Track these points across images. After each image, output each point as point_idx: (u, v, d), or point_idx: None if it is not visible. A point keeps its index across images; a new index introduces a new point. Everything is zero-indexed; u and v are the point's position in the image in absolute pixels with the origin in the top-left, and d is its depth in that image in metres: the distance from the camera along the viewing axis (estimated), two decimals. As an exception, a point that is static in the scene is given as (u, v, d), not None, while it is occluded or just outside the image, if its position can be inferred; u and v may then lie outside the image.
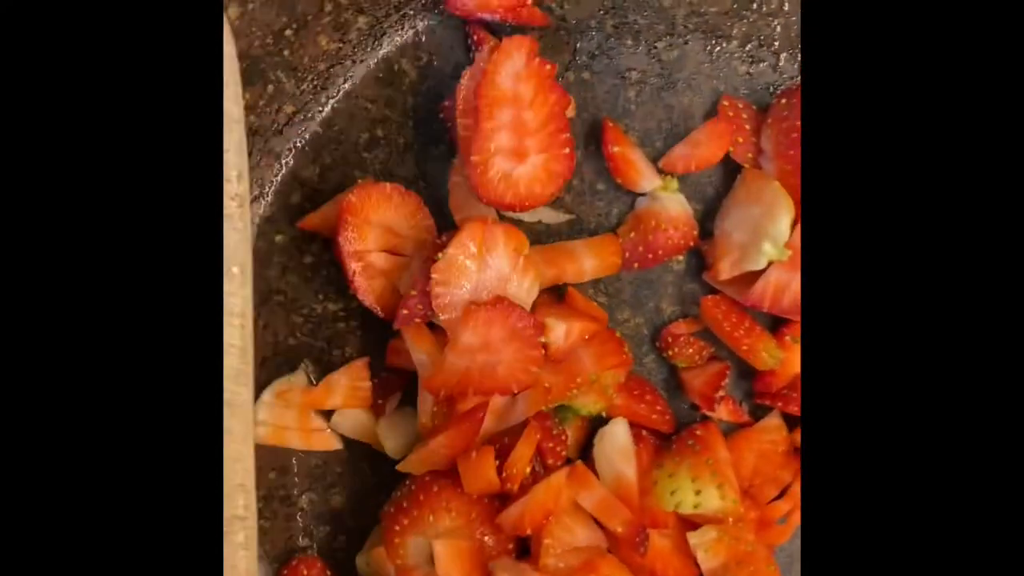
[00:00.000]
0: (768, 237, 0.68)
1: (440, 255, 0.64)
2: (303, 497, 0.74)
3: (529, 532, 0.63)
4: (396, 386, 0.72)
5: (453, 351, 0.65)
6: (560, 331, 0.67)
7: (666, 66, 0.75)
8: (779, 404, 0.71)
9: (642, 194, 0.74)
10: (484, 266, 0.65)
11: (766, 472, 0.71)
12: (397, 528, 0.65)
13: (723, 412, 0.72)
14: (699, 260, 0.74)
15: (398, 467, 0.68)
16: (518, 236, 0.65)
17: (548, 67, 0.67)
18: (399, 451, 0.71)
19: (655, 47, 0.75)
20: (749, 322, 0.71)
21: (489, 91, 0.66)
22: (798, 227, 0.67)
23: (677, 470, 0.66)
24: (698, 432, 0.69)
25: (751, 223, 0.69)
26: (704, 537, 0.66)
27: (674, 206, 0.72)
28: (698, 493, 0.65)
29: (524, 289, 0.65)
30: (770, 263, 0.68)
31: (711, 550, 0.66)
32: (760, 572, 0.66)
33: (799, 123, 0.68)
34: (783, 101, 0.71)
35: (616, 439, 0.67)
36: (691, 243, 0.72)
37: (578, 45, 0.75)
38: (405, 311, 0.66)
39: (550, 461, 0.66)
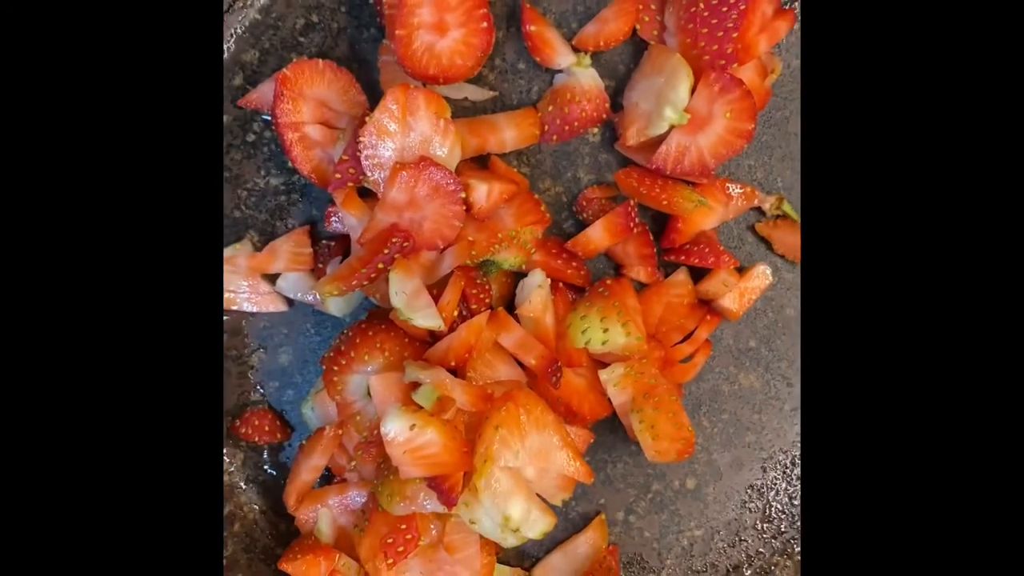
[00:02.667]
0: (669, 103, 0.74)
1: (367, 119, 0.70)
2: (253, 356, 0.81)
3: (454, 365, 0.70)
4: (335, 250, 0.79)
5: (381, 208, 0.71)
6: (482, 191, 0.73)
7: (580, -49, 0.80)
8: (683, 259, 0.78)
9: (559, 71, 0.80)
10: (408, 129, 0.71)
11: (672, 320, 0.78)
12: (336, 368, 0.71)
13: (641, 273, 0.79)
14: (612, 132, 0.80)
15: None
16: (438, 100, 0.71)
17: (465, -52, 0.73)
18: (340, 309, 0.78)
19: (569, -67, 0.80)
20: (662, 180, 0.77)
21: (411, -31, 0.72)
22: (696, 93, 0.74)
23: (588, 312, 0.74)
24: (608, 282, 0.76)
25: (654, 92, 0.76)
26: (613, 373, 0.74)
27: (587, 81, 0.78)
28: (606, 331, 0.72)
29: (447, 151, 0.71)
30: (671, 128, 0.74)
31: (619, 384, 0.73)
32: (663, 403, 0.73)
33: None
34: (684, -20, 0.77)
35: (534, 286, 0.74)
36: (604, 115, 0.79)
37: (497, -68, 0.80)
38: (338, 175, 0.72)
39: (474, 306, 0.73)
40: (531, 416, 0.70)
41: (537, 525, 0.70)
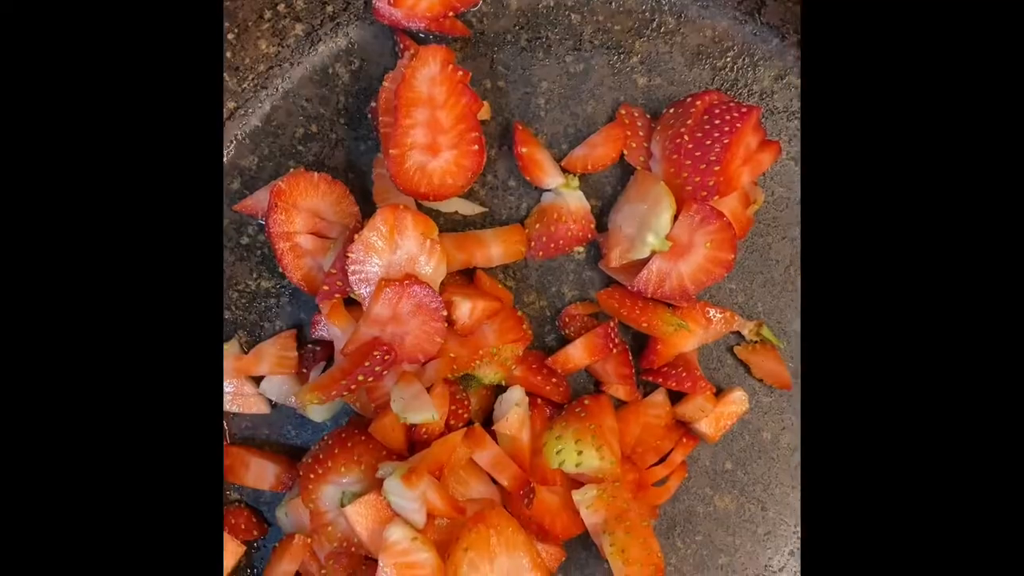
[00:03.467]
0: (651, 230, 0.76)
1: (356, 236, 0.72)
2: (233, 455, 0.82)
3: (427, 481, 0.71)
4: (320, 356, 0.80)
5: (365, 322, 0.72)
6: (466, 308, 0.75)
7: (573, 78, 0.83)
8: (661, 381, 0.79)
9: (548, 190, 0.82)
10: (395, 247, 0.73)
11: (648, 441, 0.79)
12: (312, 476, 0.72)
13: (620, 391, 0.80)
14: (598, 251, 0.82)
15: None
16: (426, 221, 0.73)
17: (460, 73, 0.76)
18: (320, 415, 0.79)
19: (564, 60, 0.83)
20: (643, 302, 0.79)
21: (407, 92, 0.75)
22: (678, 221, 0.76)
23: (564, 433, 0.74)
24: (586, 402, 0.77)
25: (638, 218, 0.78)
26: (586, 495, 0.74)
27: (574, 201, 0.81)
28: (580, 454, 0.73)
29: (432, 268, 0.73)
30: (653, 253, 0.76)
31: (592, 506, 0.74)
32: (635, 527, 0.73)
33: (683, 130, 0.77)
34: (671, 111, 0.80)
35: (512, 404, 0.75)
36: (589, 235, 0.81)
37: (495, 56, 0.83)
38: (326, 286, 0.74)
39: (452, 422, 0.74)
40: (501, 537, 0.70)
41: None
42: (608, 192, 0.83)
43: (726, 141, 0.76)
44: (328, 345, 0.80)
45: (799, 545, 0.82)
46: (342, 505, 0.70)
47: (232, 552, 0.77)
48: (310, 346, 0.81)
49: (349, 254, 0.72)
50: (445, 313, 0.73)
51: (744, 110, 0.77)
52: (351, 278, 0.73)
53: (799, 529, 0.82)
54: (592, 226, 0.81)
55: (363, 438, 0.73)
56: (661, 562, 0.73)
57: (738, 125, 0.76)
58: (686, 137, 0.77)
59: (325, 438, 0.75)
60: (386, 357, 0.72)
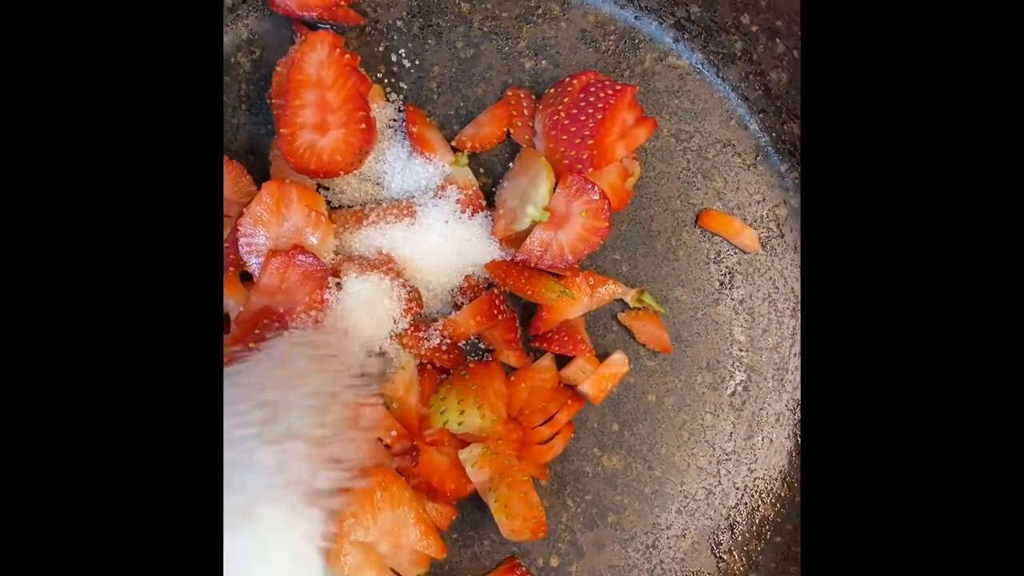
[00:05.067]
0: (531, 201, 0.80)
1: (245, 210, 0.76)
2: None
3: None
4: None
5: (255, 292, 0.76)
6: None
7: (463, 62, 0.88)
8: (546, 346, 0.83)
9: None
10: (282, 220, 0.76)
11: (535, 403, 0.83)
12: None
13: (510, 357, 0.84)
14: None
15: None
16: (311, 194, 0.77)
17: (348, 56, 0.80)
18: (222, 385, 0.83)
19: (455, 46, 0.88)
20: (528, 271, 0.83)
21: (296, 75, 0.79)
22: (556, 193, 0.80)
23: (448, 394, 0.78)
24: (471, 365, 0.81)
25: (520, 191, 0.82)
26: (471, 453, 0.78)
27: (463, 177, 0.85)
28: (462, 413, 0.77)
29: (318, 239, 0.77)
30: (534, 224, 0.81)
31: (476, 464, 0.77)
32: (517, 483, 0.77)
33: (560, 108, 0.81)
34: (552, 91, 0.84)
35: (397, 367, 0.78)
36: (479, 209, 0.85)
37: (389, 43, 0.87)
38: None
39: (340, 387, 0.78)
40: (385, 493, 0.74)
41: None
42: (498, 170, 0.87)
43: (600, 117, 0.80)
44: (227, 317, 0.83)
45: (685, 503, 0.85)
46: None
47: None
48: (213, 321, 0.84)
49: (239, 227, 0.76)
50: (334, 282, 0.76)
51: (618, 88, 0.81)
52: (241, 250, 0.77)
53: (684, 487, 0.86)
54: (481, 201, 0.85)
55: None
56: (542, 515, 0.77)
57: (612, 102, 0.80)
58: (563, 114, 0.81)
59: None
60: (276, 325, 0.75)
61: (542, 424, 0.83)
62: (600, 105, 0.80)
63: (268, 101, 0.86)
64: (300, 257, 0.75)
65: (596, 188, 0.79)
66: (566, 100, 0.82)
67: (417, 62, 0.88)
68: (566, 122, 0.81)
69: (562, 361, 0.84)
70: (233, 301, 0.79)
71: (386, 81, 0.88)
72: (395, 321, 0.78)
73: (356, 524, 0.72)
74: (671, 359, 0.86)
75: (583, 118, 0.80)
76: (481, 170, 0.87)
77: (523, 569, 0.83)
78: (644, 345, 0.86)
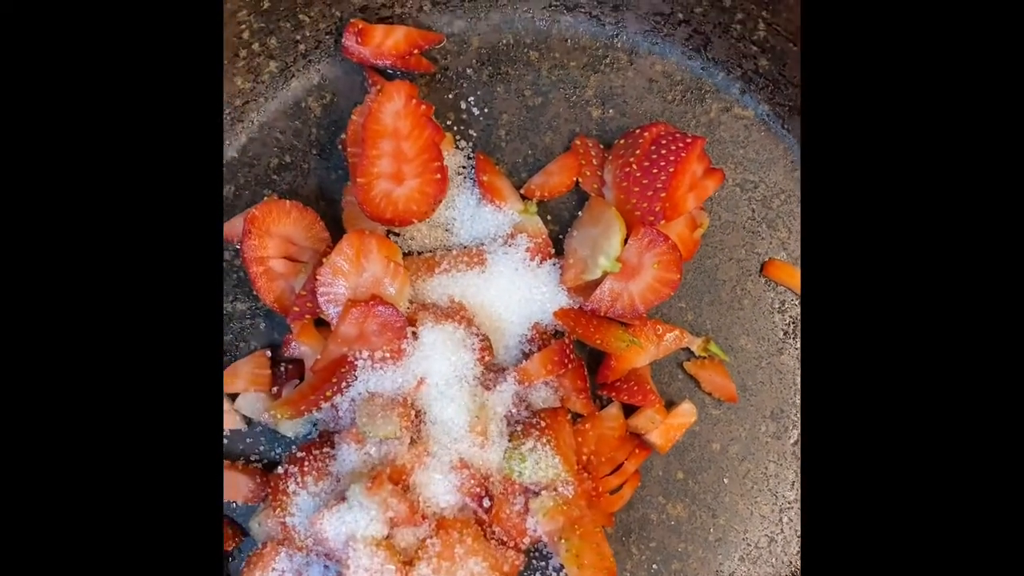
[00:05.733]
0: (603, 252, 0.81)
1: (324, 260, 0.77)
2: (209, 469, 0.86)
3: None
4: (292, 374, 0.84)
5: (333, 340, 0.77)
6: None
7: (531, 110, 0.89)
8: (615, 395, 0.84)
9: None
10: (361, 270, 0.77)
11: (603, 452, 0.83)
12: (283, 487, 0.76)
13: (577, 405, 0.85)
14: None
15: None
16: (390, 245, 0.78)
17: (424, 107, 0.81)
18: (292, 430, 0.84)
19: (523, 94, 0.89)
20: (597, 320, 0.84)
21: (373, 125, 0.80)
22: (628, 244, 0.81)
23: (521, 444, 0.79)
24: (544, 415, 0.81)
25: (591, 241, 0.83)
26: (543, 502, 0.78)
27: (533, 226, 0.86)
28: (537, 463, 0.77)
29: (395, 289, 0.78)
30: (605, 274, 0.81)
31: (548, 514, 0.78)
32: (588, 533, 0.78)
33: (632, 160, 0.83)
34: (622, 141, 0.85)
35: (476, 417, 0.79)
36: (547, 257, 0.86)
37: (458, 91, 0.89)
38: (296, 307, 0.79)
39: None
40: (463, 545, 0.74)
41: None
42: (565, 217, 0.88)
43: (672, 170, 0.81)
44: (299, 364, 0.84)
45: (748, 551, 0.86)
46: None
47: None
48: (283, 364, 0.85)
49: (318, 276, 0.77)
50: (410, 331, 0.77)
51: (689, 140, 0.82)
52: (320, 299, 0.77)
53: (747, 535, 0.86)
54: (550, 249, 0.86)
55: (331, 450, 0.78)
56: (614, 566, 0.77)
57: (683, 154, 0.81)
58: (635, 166, 0.82)
59: (294, 450, 0.79)
60: (352, 374, 0.76)
61: (610, 473, 0.84)
62: (672, 158, 0.81)
63: (340, 147, 0.87)
64: (379, 308, 0.76)
65: (669, 241, 0.80)
66: (637, 152, 0.83)
67: (486, 110, 0.89)
68: (638, 174, 0.82)
69: (628, 410, 0.85)
70: (308, 348, 0.80)
71: (455, 128, 0.89)
72: (470, 369, 0.79)
73: (432, 572, 0.73)
74: (735, 408, 0.87)
75: (655, 171, 0.81)
76: (549, 218, 0.88)
77: (589, 615, 0.83)
78: (709, 394, 0.87)
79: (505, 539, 0.80)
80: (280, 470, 0.78)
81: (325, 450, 0.78)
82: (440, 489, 0.77)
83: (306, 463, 0.77)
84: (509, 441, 0.80)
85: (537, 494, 0.79)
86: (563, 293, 0.85)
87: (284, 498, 0.76)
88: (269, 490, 0.78)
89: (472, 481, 0.76)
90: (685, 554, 0.86)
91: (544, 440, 0.78)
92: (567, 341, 0.82)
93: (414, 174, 0.81)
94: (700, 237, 0.87)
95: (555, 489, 0.78)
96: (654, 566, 0.86)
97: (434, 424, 0.77)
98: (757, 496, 0.87)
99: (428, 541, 0.74)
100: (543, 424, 0.80)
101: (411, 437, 0.76)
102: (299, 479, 0.76)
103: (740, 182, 0.89)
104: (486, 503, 0.76)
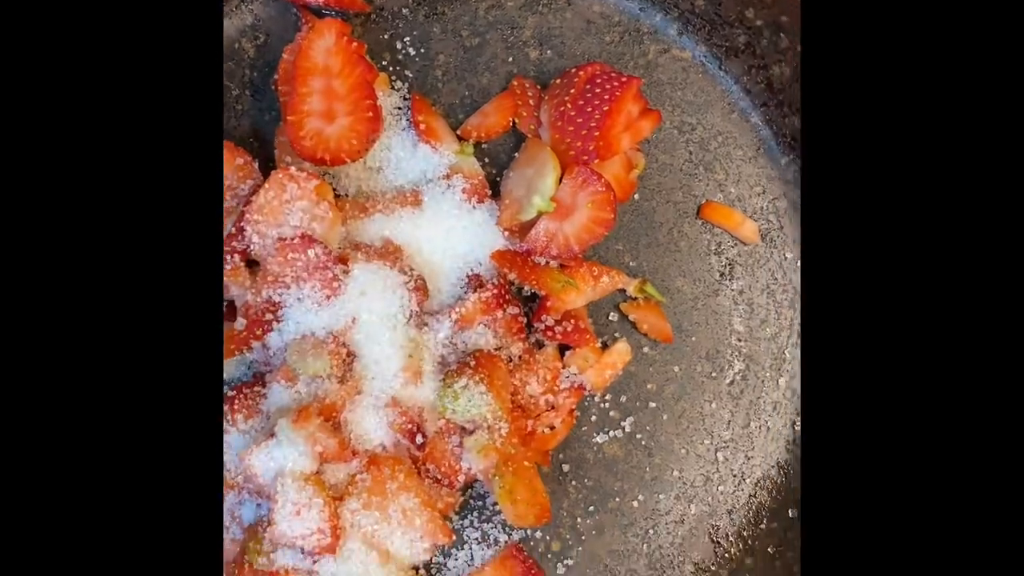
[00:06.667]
0: (537, 192, 0.81)
1: (253, 198, 0.76)
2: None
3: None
4: (224, 317, 0.83)
5: (263, 279, 0.76)
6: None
7: (468, 51, 0.88)
8: (550, 336, 0.84)
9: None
10: (289, 208, 0.77)
11: (538, 392, 0.84)
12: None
13: (513, 347, 0.85)
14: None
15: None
16: (320, 183, 0.77)
17: (355, 44, 0.80)
18: (224, 371, 0.83)
19: (460, 35, 0.88)
20: (533, 261, 0.83)
21: (303, 62, 0.79)
22: (562, 184, 0.81)
23: (454, 383, 0.79)
24: (477, 354, 0.81)
25: (526, 181, 0.83)
26: (476, 440, 0.78)
27: (469, 167, 0.85)
28: (469, 401, 0.77)
29: (325, 228, 0.77)
30: (540, 214, 0.81)
31: (482, 451, 0.78)
32: (521, 470, 0.78)
33: (567, 99, 0.82)
34: (558, 81, 0.85)
35: (409, 357, 0.79)
36: (483, 199, 0.85)
37: (394, 31, 0.87)
38: (226, 248, 0.78)
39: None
40: (394, 482, 0.75)
41: None
42: (502, 159, 0.88)
43: (606, 108, 0.81)
44: (231, 306, 0.83)
45: (684, 490, 0.87)
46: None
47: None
48: (217, 307, 0.84)
49: (246, 215, 0.76)
50: (342, 270, 0.77)
51: (624, 79, 0.82)
52: (249, 239, 0.77)
53: (683, 474, 0.87)
54: (487, 190, 0.85)
55: (263, 389, 0.77)
56: (547, 502, 0.78)
57: (617, 93, 0.81)
58: (569, 105, 0.82)
59: (225, 390, 0.78)
60: (281, 312, 0.76)
61: (544, 412, 0.84)
62: (606, 97, 0.81)
63: (273, 88, 0.86)
64: (309, 246, 0.75)
65: (602, 179, 0.80)
66: (572, 91, 0.82)
67: (422, 50, 0.88)
68: (572, 113, 0.81)
69: (563, 352, 0.85)
70: (238, 289, 0.79)
71: (391, 69, 0.88)
72: (404, 309, 0.79)
73: (363, 510, 0.73)
74: (671, 348, 0.88)
75: (589, 109, 0.81)
76: (486, 159, 0.87)
77: (525, 554, 0.84)
78: (645, 334, 0.87)
79: (439, 477, 0.80)
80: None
81: (256, 389, 0.78)
82: (371, 426, 0.77)
83: (236, 401, 0.77)
84: (444, 380, 0.80)
85: (471, 433, 0.80)
86: (499, 235, 0.85)
87: (215, 437, 0.76)
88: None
89: (403, 418, 0.76)
90: (621, 492, 0.87)
91: (477, 378, 0.78)
92: (503, 282, 0.82)
93: (346, 112, 0.80)
94: (636, 179, 0.87)
95: (489, 428, 0.79)
96: (590, 506, 0.86)
97: (366, 363, 0.77)
98: (692, 435, 0.87)
99: (359, 476, 0.74)
100: (477, 363, 0.80)
101: (343, 375, 0.76)
102: (229, 417, 0.76)
103: (678, 124, 0.89)
104: (419, 440, 0.76)
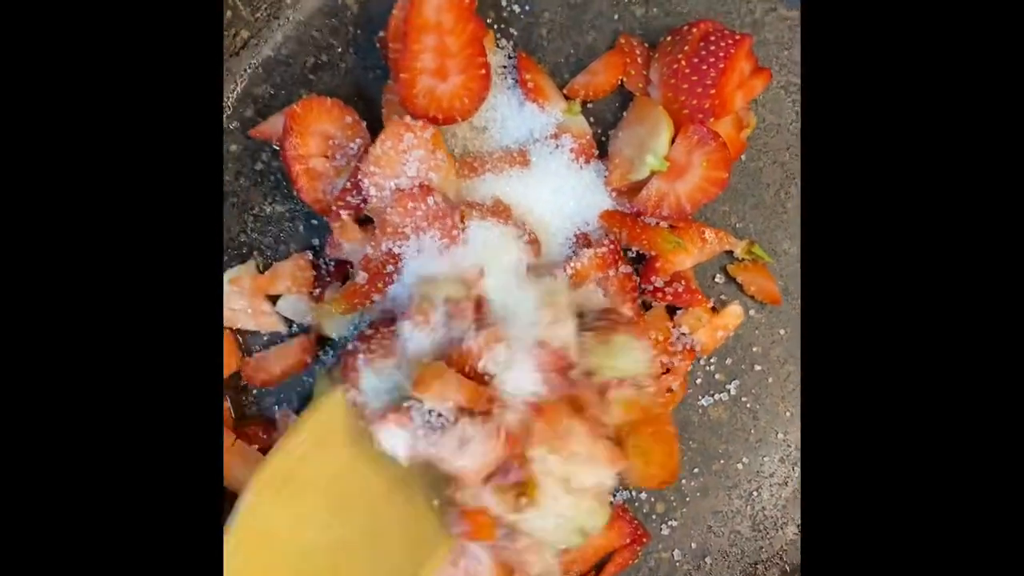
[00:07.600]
0: (650, 151, 0.80)
1: (367, 152, 0.76)
2: (251, 372, 0.85)
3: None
4: (335, 275, 0.83)
5: (383, 231, 0.76)
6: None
7: (574, 8, 0.87)
8: (660, 296, 0.83)
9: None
10: (406, 159, 0.76)
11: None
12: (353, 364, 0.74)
13: (625, 308, 0.84)
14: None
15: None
16: (434, 134, 0.77)
17: (467, 1, 0.79)
18: (336, 330, 0.83)
19: (565, -8, 0.87)
20: (643, 222, 0.83)
21: (416, 19, 0.78)
22: (676, 143, 0.80)
23: (609, 340, 0.77)
24: (613, 315, 0.79)
25: (637, 140, 0.82)
26: (623, 394, 0.76)
27: (577, 126, 0.84)
28: (629, 357, 0.76)
29: (442, 179, 0.77)
30: (652, 174, 0.80)
31: (627, 406, 0.76)
32: (660, 433, 0.77)
33: (680, 56, 0.81)
34: (669, 39, 0.84)
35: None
36: (591, 158, 0.84)
37: (499, -12, 0.86)
38: (339, 202, 0.78)
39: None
40: (564, 422, 0.72)
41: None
42: (608, 119, 0.87)
43: (721, 66, 0.79)
44: (341, 265, 0.83)
45: (788, 452, 0.87)
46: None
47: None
48: (323, 267, 0.84)
49: (361, 168, 0.76)
50: (460, 221, 0.76)
51: (738, 37, 0.80)
52: (365, 192, 0.76)
53: (788, 436, 0.87)
54: (594, 150, 0.85)
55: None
56: (678, 466, 0.78)
57: (732, 51, 0.80)
58: (683, 63, 0.81)
59: (364, 328, 0.77)
60: (402, 263, 0.76)
61: (661, 375, 0.83)
62: (721, 54, 0.80)
63: (377, 46, 0.85)
64: (429, 197, 0.75)
65: (718, 138, 0.79)
66: (686, 48, 0.81)
67: (527, 8, 0.87)
68: (687, 71, 0.80)
69: (670, 313, 0.85)
70: (353, 247, 0.79)
71: (496, 27, 0.87)
72: (519, 265, 0.78)
73: (549, 456, 0.71)
74: (777, 311, 0.87)
75: (704, 67, 0.80)
76: (591, 120, 0.86)
77: (631, 515, 0.84)
78: (752, 296, 0.86)
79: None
80: (350, 346, 0.76)
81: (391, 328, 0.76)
82: (521, 372, 0.73)
83: (373, 340, 0.75)
84: (595, 336, 0.77)
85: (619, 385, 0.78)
86: (607, 195, 0.84)
87: (354, 375, 0.74)
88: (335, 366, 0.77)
89: (554, 356, 0.74)
90: (726, 454, 0.86)
91: (636, 335, 0.77)
92: (615, 240, 0.82)
93: (458, 70, 0.79)
94: (746, 139, 0.85)
95: (638, 385, 0.77)
96: (695, 468, 0.86)
97: (501, 309, 0.75)
98: (798, 398, 0.87)
99: (535, 427, 0.72)
100: (622, 320, 0.79)
101: (479, 321, 0.74)
102: (370, 356, 0.74)
103: (784, 84, 0.88)
104: (573, 375, 0.74)
